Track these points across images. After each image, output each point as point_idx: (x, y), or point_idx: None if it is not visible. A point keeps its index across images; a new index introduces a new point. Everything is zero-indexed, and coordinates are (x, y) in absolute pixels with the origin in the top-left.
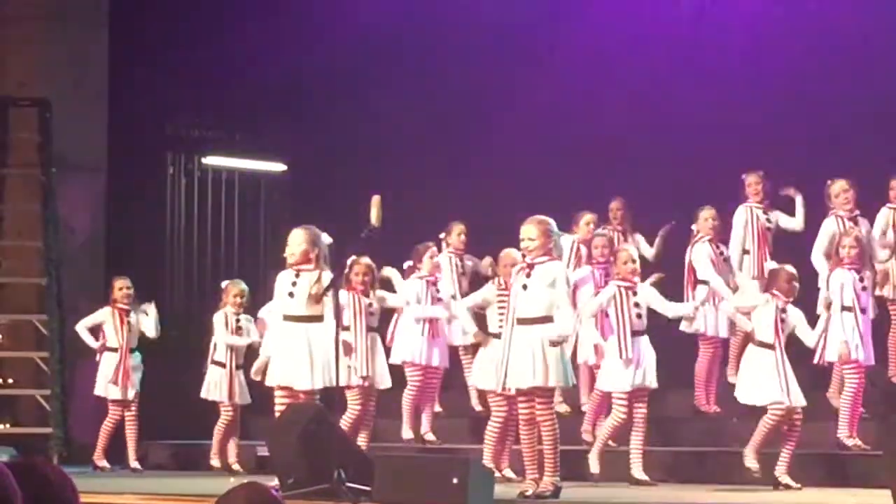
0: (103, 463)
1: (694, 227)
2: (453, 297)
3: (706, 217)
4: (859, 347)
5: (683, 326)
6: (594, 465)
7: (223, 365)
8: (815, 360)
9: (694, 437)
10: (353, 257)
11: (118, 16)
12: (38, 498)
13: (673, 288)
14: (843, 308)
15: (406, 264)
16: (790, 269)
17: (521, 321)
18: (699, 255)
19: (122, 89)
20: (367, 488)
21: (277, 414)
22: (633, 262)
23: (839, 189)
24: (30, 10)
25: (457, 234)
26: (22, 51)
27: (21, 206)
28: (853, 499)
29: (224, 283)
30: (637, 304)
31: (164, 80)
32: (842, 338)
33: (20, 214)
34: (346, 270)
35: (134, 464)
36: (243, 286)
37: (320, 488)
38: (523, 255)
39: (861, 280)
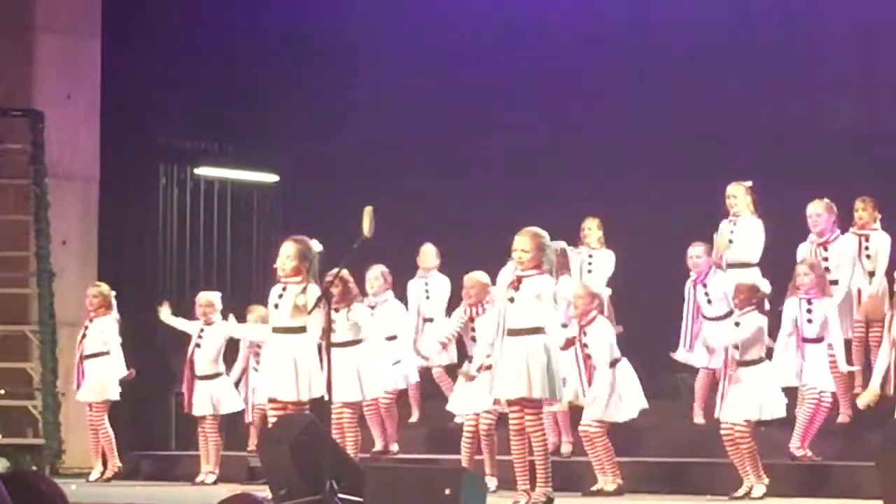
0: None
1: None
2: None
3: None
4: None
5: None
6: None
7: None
8: None
9: (676, 448)
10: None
11: (111, 26)
12: None
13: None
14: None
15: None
16: (748, 282)
17: (511, 332)
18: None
19: (115, 100)
20: (360, 499)
21: (270, 425)
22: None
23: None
24: (22, 21)
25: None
26: (14, 61)
27: (13, 217)
28: None
29: None
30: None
31: (157, 91)
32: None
33: (12, 225)
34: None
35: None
36: (210, 297)
37: (312, 499)
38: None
39: (808, 311)
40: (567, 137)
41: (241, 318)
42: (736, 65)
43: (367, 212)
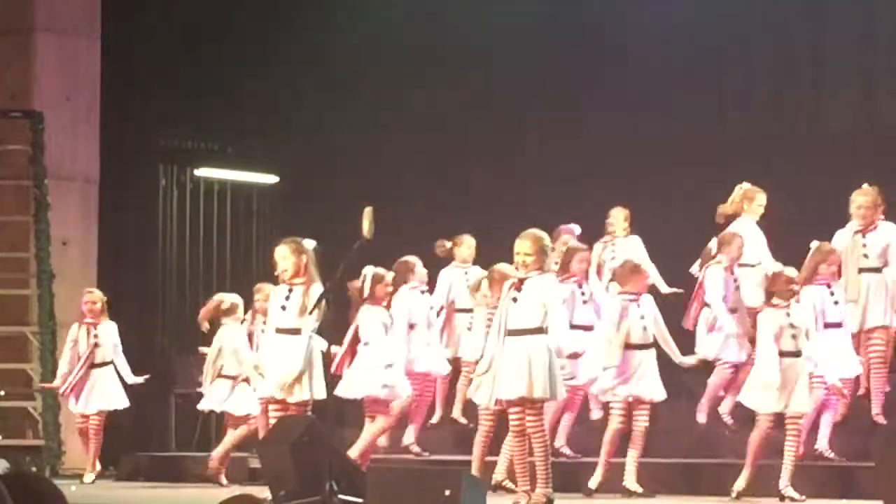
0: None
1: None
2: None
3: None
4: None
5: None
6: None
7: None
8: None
9: (687, 449)
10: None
11: (111, 28)
12: None
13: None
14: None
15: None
16: (779, 270)
17: (512, 332)
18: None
19: (115, 101)
20: (360, 500)
21: (270, 426)
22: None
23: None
24: (22, 22)
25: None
26: (14, 62)
27: (13, 218)
28: None
29: None
30: (643, 317)
31: (157, 92)
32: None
33: (12, 226)
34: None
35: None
36: (220, 298)
37: (312, 501)
38: (517, 268)
39: (832, 294)
40: (565, 139)
41: (249, 299)
42: (735, 62)
43: (367, 212)
